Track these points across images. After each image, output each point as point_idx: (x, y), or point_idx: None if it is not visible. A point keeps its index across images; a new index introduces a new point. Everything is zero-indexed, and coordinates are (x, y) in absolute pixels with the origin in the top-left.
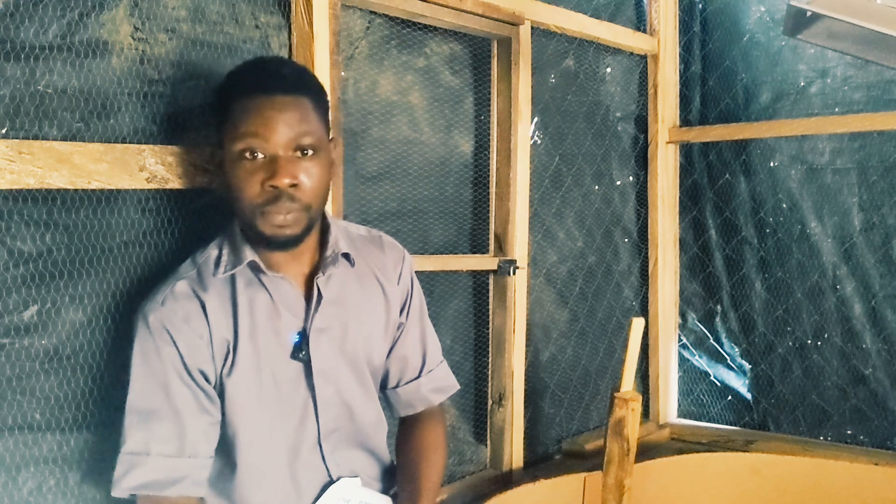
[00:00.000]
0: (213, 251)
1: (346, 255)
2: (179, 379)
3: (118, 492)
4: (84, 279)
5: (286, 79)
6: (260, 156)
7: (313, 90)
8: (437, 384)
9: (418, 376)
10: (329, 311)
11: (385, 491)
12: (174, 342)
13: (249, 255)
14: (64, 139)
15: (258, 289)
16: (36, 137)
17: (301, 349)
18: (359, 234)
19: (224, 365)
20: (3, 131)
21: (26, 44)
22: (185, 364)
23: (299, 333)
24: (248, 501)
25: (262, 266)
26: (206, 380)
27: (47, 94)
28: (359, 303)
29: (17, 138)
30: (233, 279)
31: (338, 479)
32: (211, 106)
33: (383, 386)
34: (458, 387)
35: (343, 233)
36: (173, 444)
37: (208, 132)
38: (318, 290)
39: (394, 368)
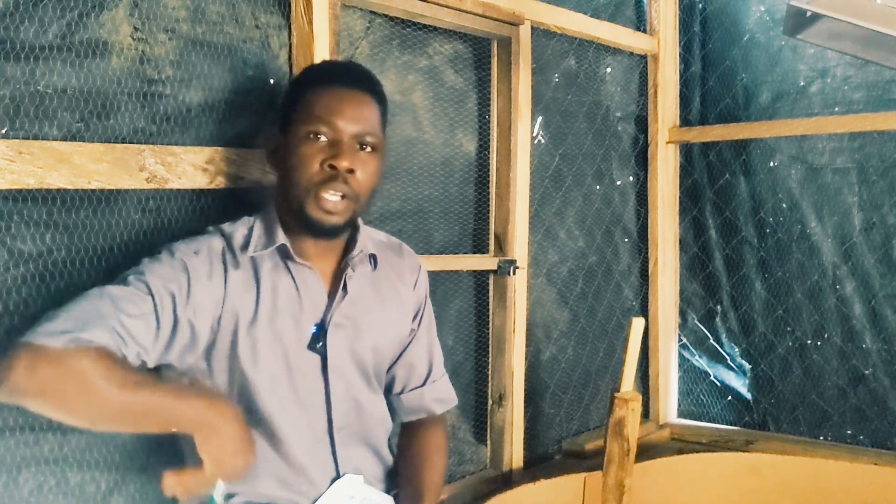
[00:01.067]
0: (241, 229)
1: (371, 257)
2: (167, 305)
3: (34, 337)
4: (84, 279)
5: (361, 77)
6: (324, 139)
7: (381, 96)
8: (440, 395)
9: (422, 385)
10: (347, 308)
11: (387, 491)
12: (189, 289)
13: (282, 238)
14: (64, 139)
15: (283, 274)
16: (36, 137)
17: (318, 340)
18: (379, 239)
19: (237, 346)
20: (3, 131)
21: (26, 44)
22: (181, 307)
23: (317, 325)
24: (255, 486)
25: (292, 252)
26: (193, 332)
27: (47, 94)
28: (374, 305)
29: (17, 138)
30: (257, 261)
31: (343, 475)
32: (286, 94)
33: (388, 391)
34: (457, 402)
35: (368, 237)
36: (127, 323)
37: (210, 132)
38: (346, 284)
39: (400, 374)
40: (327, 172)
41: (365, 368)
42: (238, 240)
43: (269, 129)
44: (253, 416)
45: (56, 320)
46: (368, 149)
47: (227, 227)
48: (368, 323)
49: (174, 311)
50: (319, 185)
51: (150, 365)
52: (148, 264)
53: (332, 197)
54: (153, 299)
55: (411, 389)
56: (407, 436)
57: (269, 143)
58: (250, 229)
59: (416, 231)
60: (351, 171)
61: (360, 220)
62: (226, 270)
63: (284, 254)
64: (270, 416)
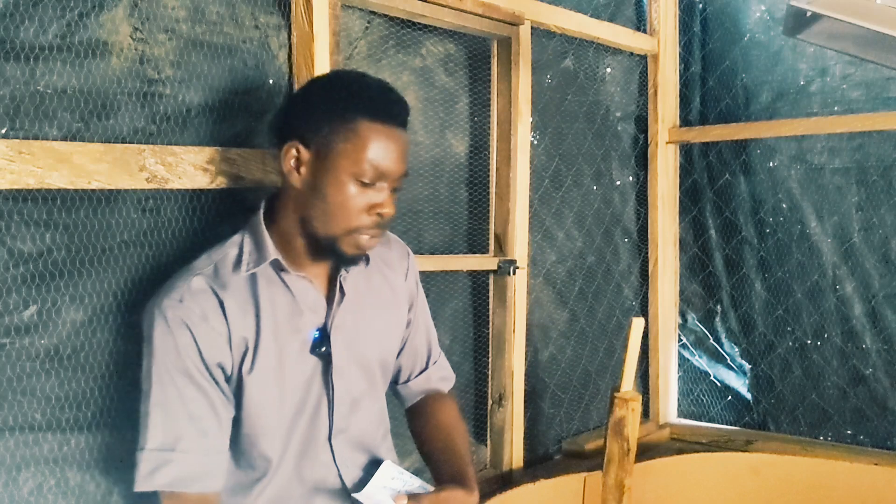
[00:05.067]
0: (231, 249)
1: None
2: (200, 376)
3: (145, 486)
4: (84, 279)
5: (405, 112)
6: (370, 182)
7: None
8: (443, 374)
9: (426, 368)
10: (346, 309)
11: None
12: (194, 339)
13: (273, 253)
14: (64, 139)
15: (280, 287)
16: (36, 137)
17: (321, 345)
18: None
19: (243, 362)
20: (3, 131)
21: (26, 44)
22: (204, 361)
23: (318, 330)
24: (259, 495)
25: (286, 265)
26: (225, 374)
27: (47, 94)
28: (371, 300)
29: (17, 138)
30: (254, 278)
31: (384, 462)
32: (321, 103)
33: (395, 381)
34: (455, 376)
35: None
36: (197, 440)
37: (210, 132)
38: (342, 287)
39: (406, 363)
40: (375, 219)
41: (369, 367)
42: (229, 261)
43: (268, 129)
44: (260, 431)
45: (146, 455)
46: (398, 187)
47: (216, 252)
48: (369, 321)
49: (204, 362)
50: (365, 228)
51: (233, 411)
52: (161, 346)
53: (373, 239)
54: (192, 399)
55: (417, 375)
56: (421, 415)
57: (288, 152)
58: (240, 247)
59: (409, 231)
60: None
61: None
62: (221, 302)
63: (278, 267)
64: (274, 429)
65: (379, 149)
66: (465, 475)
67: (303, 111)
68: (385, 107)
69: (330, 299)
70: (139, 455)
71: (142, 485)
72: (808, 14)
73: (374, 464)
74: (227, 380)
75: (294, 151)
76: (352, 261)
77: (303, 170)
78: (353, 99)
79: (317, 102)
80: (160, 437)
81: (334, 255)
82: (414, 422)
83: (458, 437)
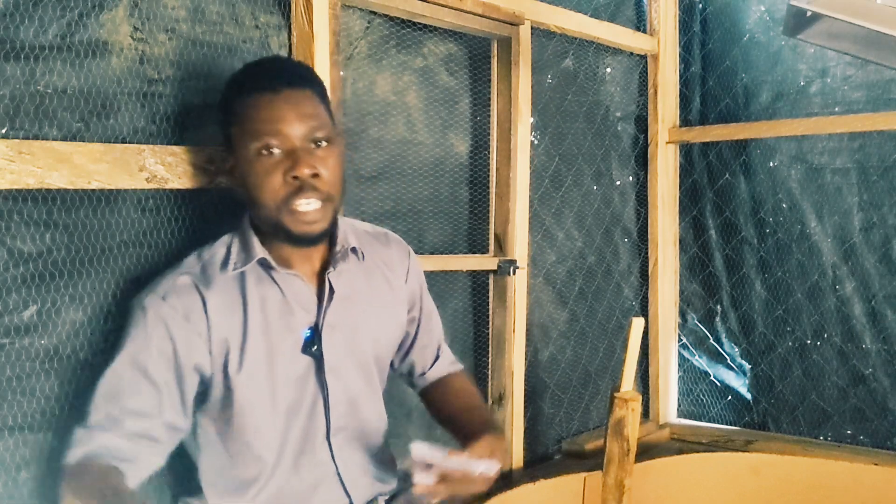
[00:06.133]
0: (220, 249)
1: (355, 250)
2: (159, 377)
3: (69, 459)
4: (84, 279)
5: (290, 73)
6: (277, 151)
7: (316, 83)
8: (451, 359)
9: (437, 357)
10: (340, 306)
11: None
12: (172, 339)
13: (260, 252)
14: (64, 139)
15: (269, 286)
16: (36, 137)
17: (313, 344)
18: (364, 230)
19: (228, 362)
20: (3, 131)
21: (26, 44)
22: (177, 360)
23: (311, 329)
24: (257, 494)
25: (273, 263)
26: (203, 376)
27: (47, 94)
28: (367, 298)
29: (17, 138)
30: (242, 277)
31: (412, 444)
32: (217, 110)
33: (410, 375)
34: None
35: (350, 228)
36: (134, 426)
37: (210, 132)
38: (330, 285)
39: (418, 360)
40: (292, 184)
41: (366, 364)
42: (217, 261)
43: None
44: (253, 429)
45: (78, 431)
46: (324, 143)
47: (205, 252)
48: (364, 318)
49: (177, 363)
50: (289, 198)
51: (186, 425)
52: (132, 338)
53: (307, 207)
54: (152, 379)
55: (430, 367)
56: (437, 388)
57: (224, 162)
58: (228, 247)
59: (410, 231)
60: (315, 174)
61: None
62: (204, 301)
63: (266, 265)
64: (268, 428)
65: (263, 116)
66: (491, 423)
67: (219, 125)
68: (255, 78)
69: (321, 297)
70: (75, 430)
71: (67, 457)
72: (808, 14)
73: (373, 459)
74: (205, 382)
75: (225, 159)
76: (312, 240)
77: (236, 172)
78: (237, 88)
79: (221, 108)
80: (100, 417)
81: (289, 239)
82: (430, 396)
83: (475, 398)
